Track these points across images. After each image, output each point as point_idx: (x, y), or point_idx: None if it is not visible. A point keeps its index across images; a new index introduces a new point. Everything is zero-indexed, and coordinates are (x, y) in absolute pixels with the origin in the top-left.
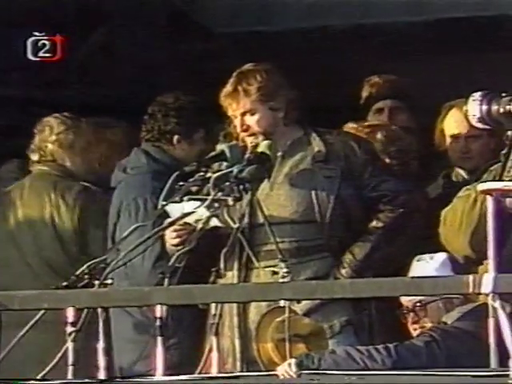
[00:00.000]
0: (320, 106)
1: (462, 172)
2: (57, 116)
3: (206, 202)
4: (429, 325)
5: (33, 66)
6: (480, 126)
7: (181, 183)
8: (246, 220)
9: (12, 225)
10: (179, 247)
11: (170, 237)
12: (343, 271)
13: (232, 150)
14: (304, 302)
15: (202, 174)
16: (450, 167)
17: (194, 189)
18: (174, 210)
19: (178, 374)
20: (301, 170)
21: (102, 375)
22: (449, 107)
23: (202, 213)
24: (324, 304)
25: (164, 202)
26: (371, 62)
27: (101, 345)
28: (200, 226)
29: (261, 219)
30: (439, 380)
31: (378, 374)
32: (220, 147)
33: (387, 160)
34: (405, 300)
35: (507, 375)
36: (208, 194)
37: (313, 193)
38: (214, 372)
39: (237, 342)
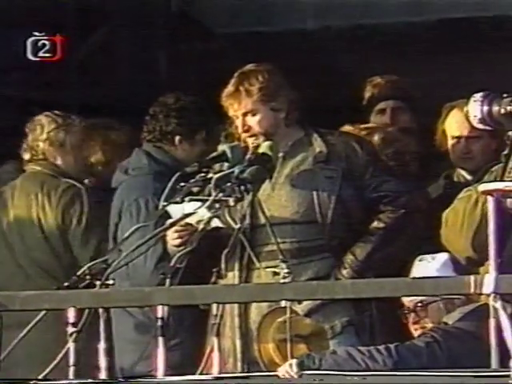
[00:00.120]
0: (320, 106)
1: (463, 173)
2: (48, 114)
3: (207, 203)
4: (429, 325)
5: (33, 66)
6: (481, 126)
7: (182, 184)
8: (247, 221)
9: (4, 225)
10: (180, 248)
11: (172, 237)
12: (344, 272)
13: (233, 150)
14: (305, 303)
15: (203, 174)
16: (452, 168)
17: (195, 189)
18: (176, 210)
19: (179, 375)
20: (302, 171)
21: (103, 376)
22: (450, 108)
23: (204, 213)
24: (325, 304)
25: (165, 203)
26: (372, 62)
27: (102, 345)
28: (201, 226)
29: (262, 220)
30: (440, 380)
31: (379, 375)
32: (221, 148)
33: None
34: (406, 300)
35: (508, 375)
36: (209, 195)
37: (314, 193)
38: (214, 372)
39: (238, 343)
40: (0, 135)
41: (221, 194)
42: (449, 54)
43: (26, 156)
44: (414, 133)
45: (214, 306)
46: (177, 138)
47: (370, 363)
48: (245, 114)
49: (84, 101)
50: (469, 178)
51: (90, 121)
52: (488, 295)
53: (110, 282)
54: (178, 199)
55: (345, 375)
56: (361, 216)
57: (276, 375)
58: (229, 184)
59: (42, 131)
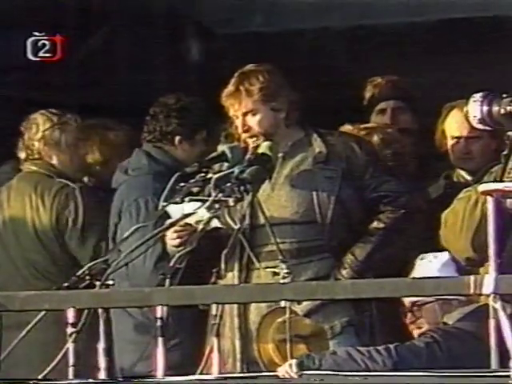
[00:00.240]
0: (320, 106)
1: (463, 173)
2: (43, 113)
3: (207, 203)
4: (425, 325)
5: (33, 66)
6: (481, 127)
7: (181, 184)
8: (246, 221)
9: (0, 226)
10: (180, 248)
11: (171, 238)
12: (344, 272)
13: (233, 150)
14: (305, 303)
15: (202, 174)
16: (451, 168)
17: (194, 190)
18: (175, 210)
19: (178, 375)
20: (302, 171)
21: (102, 376)
22: (449, 108)
23: (203, 214)
24: (325, 305)
25: (165, 203)
26: (372, 62)
27: (101, 345)
28: (201, 226)
29: (261, 220)
30: (440, 380)
31: (380, 375)
32: (221, 148)
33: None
34: (405, 300)
35: (508, 376)
36: (209, 195)
37: (313, 194)
38: (214, 373)
39: (237, 343)
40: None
41: (220, 195)
42: (448, 55)
43: (22, 155)
44: (414, 133)
45: (214, 306)
46: (177, 139)
47: (369, 363)
48: (245, 114)
49: (84, 101)
50: (468, 178)
51: (87, 120)
52: (488, 295)
53: (110, 282)
54: (177, 199)
55: (346, 375)
56: (360, 216)
57: (276, 375)
58: (228, 184)
59: (37, 130)
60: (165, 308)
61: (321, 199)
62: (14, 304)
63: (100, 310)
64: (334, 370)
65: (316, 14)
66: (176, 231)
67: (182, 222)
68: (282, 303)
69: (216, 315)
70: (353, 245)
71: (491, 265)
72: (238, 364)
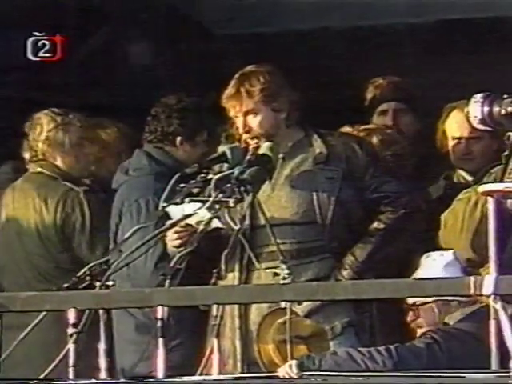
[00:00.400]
0: (320, 107)
1: (463, 173)
2: (47, 113)
3: (207, 204)
4: (424, 325)
5: (33, 66)
6: (481, 127)
7: (182, 185)
8: (247, 221)
9: (4, 228)
10: (180, 249)
11: (172, 238)
12: (344, 272)
13: (233, 151)
14: (305, 304)
15: (203, 175)
16: (452, 169)
17: (195, 190)
18: (175, 211)
19: (179, 376)
20: (302, 172)
21: (103, 376)
22: (450, 109)
23: (203, 214)
24: (325, 305)
25: (165, 204)
26: (371, 63)
27: (102, 346)
28: (201, 227)
29: (262, 221)
30: (441, 381)
31: (382, 375)
32: (221, 149)
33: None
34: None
35: (508, 376)
36: (209, 196)
37: (314, 194)
38: (214, 373)
39: (238, 344)
40: (0, 135)
41: (221, 195)
42: (448, 55)
43: (27, 156)
44: (415, 134)
45: (214, 306)
46: (178, 139)
47: (370, 364)
48: (246, 115)
49: (84, 101)
50: (469, 178)
51: (88, 120)
52: (488, 296)
53: (110, 282)
54: (177, 200)
55: (347, 376)
56: (361, 217)
57: (276, 376)
58: (229, 185)
59: (41, 131)
60: (165, 308)
61: (321, 200)
62: (15, 304)
63: (101, 311)
64: (334, 371)
65: (316, 14)
66: (176, 232)
67: (182, 223)
68: (283, 304)
69: (216, 316)
70: (353, 245)
71: (491, 265)
72: (239, 364)
